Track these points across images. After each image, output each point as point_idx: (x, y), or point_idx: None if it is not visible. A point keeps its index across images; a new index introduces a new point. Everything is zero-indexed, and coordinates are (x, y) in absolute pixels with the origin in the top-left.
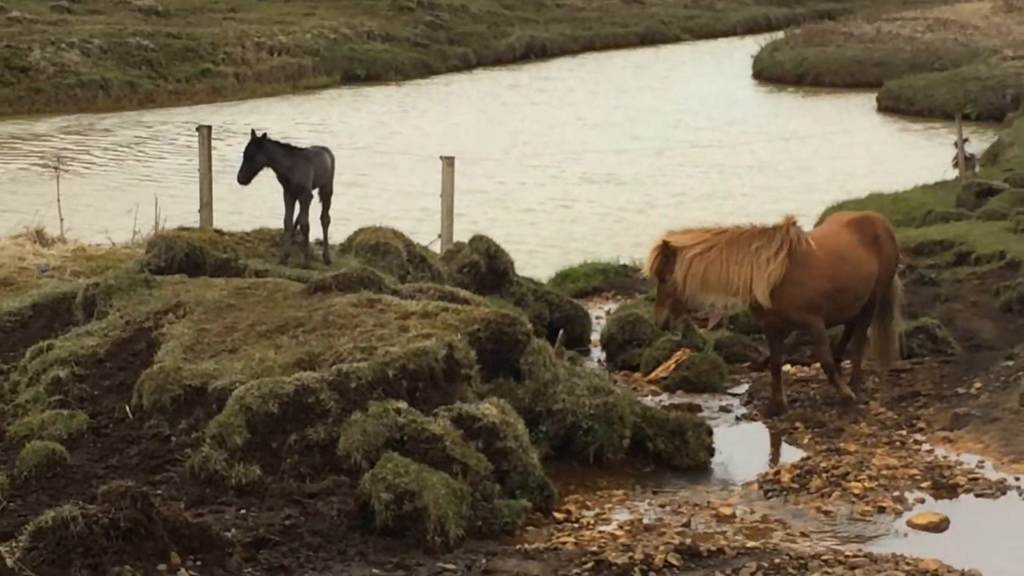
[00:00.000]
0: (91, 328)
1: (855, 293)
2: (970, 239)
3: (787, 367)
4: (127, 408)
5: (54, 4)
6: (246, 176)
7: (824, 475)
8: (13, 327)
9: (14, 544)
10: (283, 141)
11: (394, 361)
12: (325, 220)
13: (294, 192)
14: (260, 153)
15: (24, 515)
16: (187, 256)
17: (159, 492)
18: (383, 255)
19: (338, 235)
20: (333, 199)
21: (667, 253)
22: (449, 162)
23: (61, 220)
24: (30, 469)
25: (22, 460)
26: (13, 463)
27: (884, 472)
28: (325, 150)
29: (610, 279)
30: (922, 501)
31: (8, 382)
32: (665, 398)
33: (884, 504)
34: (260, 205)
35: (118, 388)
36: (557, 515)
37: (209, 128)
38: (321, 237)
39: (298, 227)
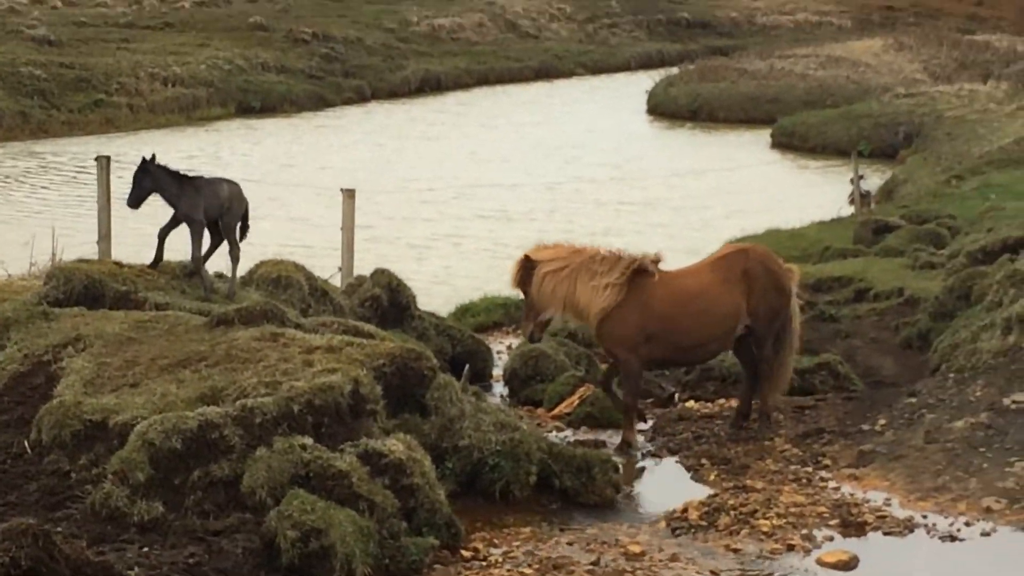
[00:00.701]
0: None
1: (699, 335)
2: (868, 275)
3: (691, 403)
4: (26, 443)
5: None
6: (134, 201)
7: (732, 512)
8: None
9: None
10: (174, 169)
11: (299, 396)
12: (232, 254)
13: (180, 220)
14: (147, 178)
15: None
16: (86, 288)
17: (60, 530)
18: (285, 288)
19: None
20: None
21: (527, 267)
22: (350, 194)
23: None
24: None
25: None
26: None
27: (792, 510)
28: (224, 181)
29: (510, 313)
30: (831, 539)
31: None
32: (569, 434)
33: (793, 542)
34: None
35: (16, 423)
36: (464, 553)
37: (108, 158)
38: (230, 271)
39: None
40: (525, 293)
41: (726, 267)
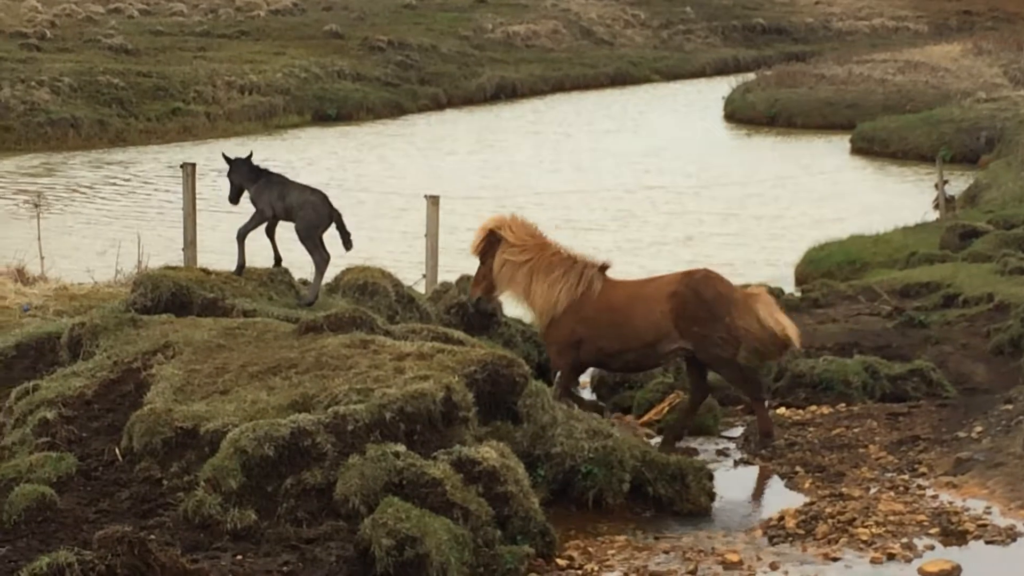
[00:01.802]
0: (78, 369)
1: (618, 345)
2: (957, 281)
3: (783, 410)
4: (117, 450)
5: (23, 42)
6: (231, 197)
7: (830, 521)
8: None
9: None
10: (256, 164)
11: (391, 403)
12: (316, 262)
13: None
14: (233, 174)
15: (16, 561)
16: (174, 295)
17: (153, 537)
18: (371, 295)
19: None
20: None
21: (491, 240)
22: (434, 201)
23: (42, 258)
24: (19, 513)
25: (11, 504)
26: (1, 507)
27: (891, 518)
28: (300, 187)
29: None
30: (932, 548)
31: None
32: (659, 441)
33: (893, 551)
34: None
35: (107, 430)
36: (560, 562)
37: (193, 166)
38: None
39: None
40: (483, 262)
41: (656, 287)
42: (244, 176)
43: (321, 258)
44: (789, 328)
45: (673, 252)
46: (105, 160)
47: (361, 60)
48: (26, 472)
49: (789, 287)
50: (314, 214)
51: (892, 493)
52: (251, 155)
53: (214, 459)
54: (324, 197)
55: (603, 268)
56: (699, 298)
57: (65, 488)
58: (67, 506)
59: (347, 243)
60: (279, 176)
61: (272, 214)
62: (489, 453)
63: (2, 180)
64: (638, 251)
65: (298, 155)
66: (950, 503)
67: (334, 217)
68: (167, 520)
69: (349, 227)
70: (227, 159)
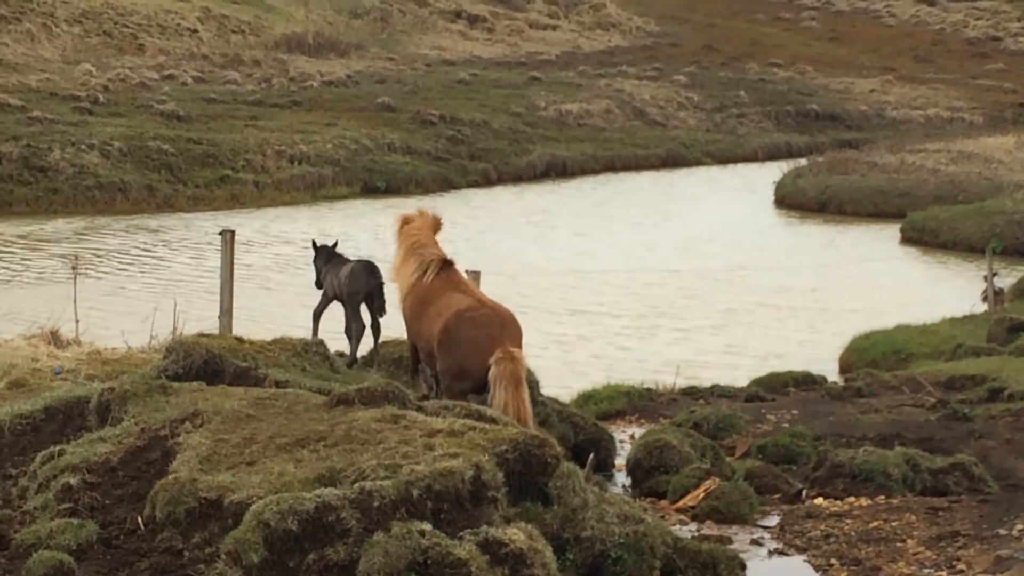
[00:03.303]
0: (104, 434)
1: (413, 338)
2: (1003, 375)
3: (820, 500)
4: (139, 519)
5: (75, 105)
6: (316, 281)
7: None
8: (24, 430)
9: None
10: (331, 250)
11: (419, 480)
12: (348, 331)
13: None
14: (317, 258)
15: None
16: (206, 363)
17: None
18: (406, 370)
19: (361, 348)
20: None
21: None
22: (474, 276)
23: (77, 322)
24: None
25: (29, 570)
26: (19, 573)
27: None
28: (352, 261)
29: (633, 402)
30: None
31: (16, 488)
32: (693, 528)
33: None
34: (280, 312)
35: (131, 498)
36: None
37: (232, 233)
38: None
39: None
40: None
41: (447, 304)
42: (323, 260)
43: (358, 325)
44: (509, 408)
45: (713, 334)
46: (153, 226)
47: (412, 134)
48: (46, 538)
49: (833, 375)
50: (353, 282)
51: None
52: (336, 244)
53: (236, 531)
54: (367, 265)
55: (446, 263)
56: (450, 335)
57: (85, 556)
58: (86, 574)
59: (377, 311)
60: (342, 257)
61: (334, 294)
62: (517, 535)
63: (46, 242)
64: (682, 332)
65: (349, 225)
66: None
67: (371, 285)
68: None
69: (387, 297)
70: (314, 245)
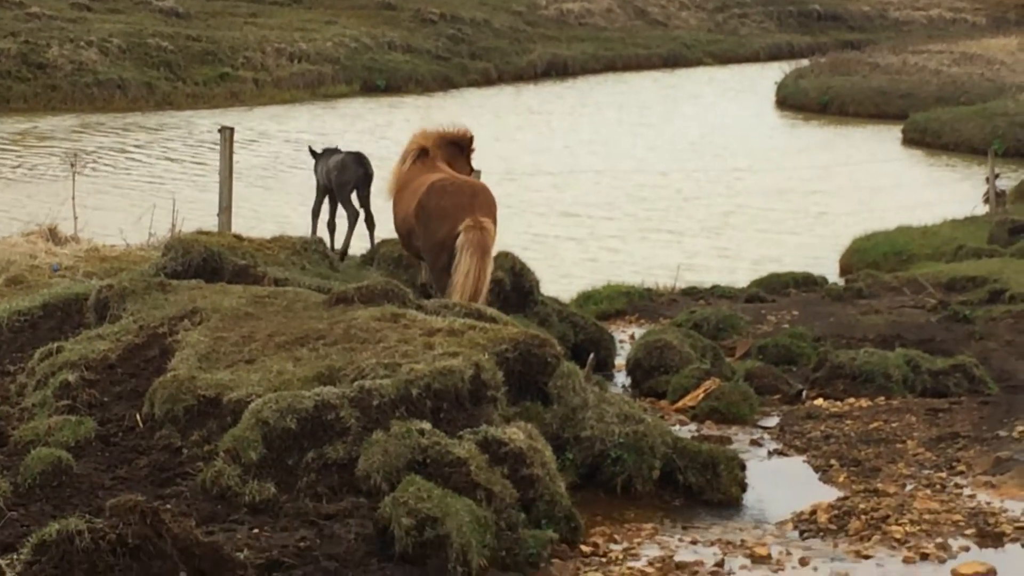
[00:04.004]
0: (103, 332)
1: (396, 222)
2: (1004, 277)
3: (820, 401)
4: (137, 417)
5: (74, 1)
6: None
7: (863, 517)
8: (22, 327)
9: (15, 557)
10: (329, 147)
11: (419, 379)
12: (331, 224)
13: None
14: (316, 165)
15: (27, 526)
16: (204, 261)
17: (168, 507)
18: (406, 268)
19: (360, 246)
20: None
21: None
22: (476, 175)
23: (75, 219)
24: (35, 477)
25: (26, 467)
26: (17, 469)
27: (926, 517)
28: (340, 152)
29: (633, 302)
30: (967, 549)
31: (15, 384)
32: (693, 428)
33: (927, 551)
34: (280, 211)
35: (129, 395)
36: (584, 548)
37: (231, 130)
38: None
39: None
40: None
41: (421, 183)
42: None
43: (351, 213)
44: (470, 275)
45: (710, 237)
46: (151, 123)
47: (412, 32)
48: (44, 435)
49: (833, 277)
50: (343, 172)
51: (928, 491)
52: (336, 148)
53: (235, 429)
54: (356, 156)
55: (422, 151)
56: (423, 206)
57: (83, 453)
58: (84, 471)
59: (363, 201)
60: (335, 149)
61: (325, 184)
62: (516, 434)
63: (44, 139)
64: (677, 235)
65: (349, 125)
66: (987, 503)
67: (358, 175)
68: (184, 490)
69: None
70: (311, 152)
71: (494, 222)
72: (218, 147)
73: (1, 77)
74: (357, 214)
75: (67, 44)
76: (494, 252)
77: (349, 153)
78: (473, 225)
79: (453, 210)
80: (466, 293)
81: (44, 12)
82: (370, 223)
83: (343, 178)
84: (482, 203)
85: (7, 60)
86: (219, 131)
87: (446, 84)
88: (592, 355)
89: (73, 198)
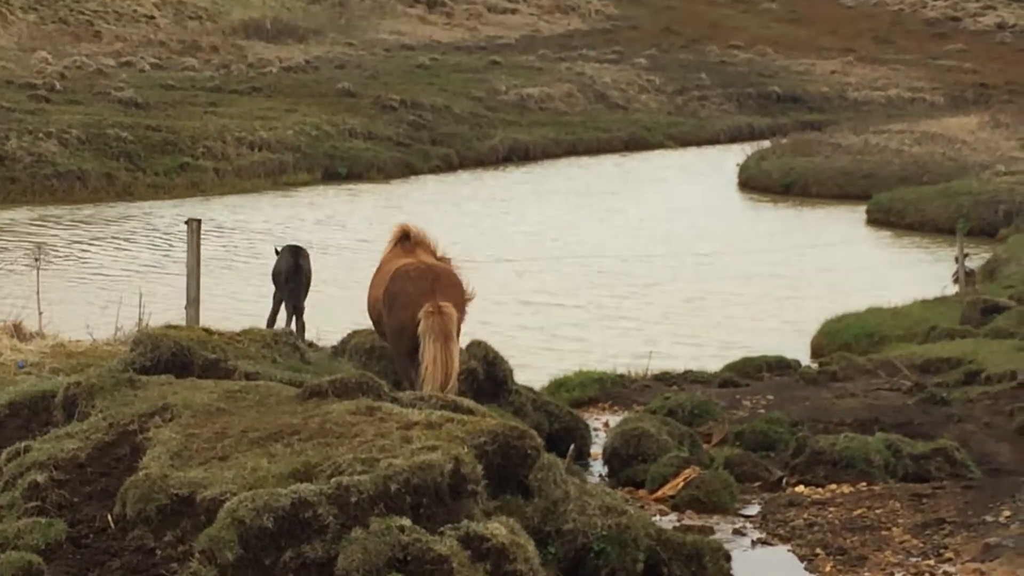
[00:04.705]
0: (71, 430)
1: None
2: (979, 357)
3: (801, 488)
4: (109, 517)
5: (32, 93)
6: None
7: None
8: None
9: None
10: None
11: (397, 474)
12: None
13: None
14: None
15: None
16: (174, 355)
17: None
18: (378, 359)
19: (331, 337)
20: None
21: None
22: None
23: (40, 314)
24: None
25: None
26: None
27: None
28: (286, 249)
29: (606, 389)
30: None
31: None
32: (674, 518)
33: None
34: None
35: (100, 495)
36: None
37: (199, 222)
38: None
39: None
40: None
41: (391, 269)
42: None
43: (285, 302)
44: (438, 361)
45: (685, 316)
46: (112, 215)
47: (373, 119)
48: (13, 538)
49: (805, 358)
50: (277, 262)
51: None
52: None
53: (210, 529)
54: (292, 248)
55: (404, 236)
56: (387, 292)
57: (54, 556)
58: (55, 575)
59: (289, 294)
60: (291, 245)
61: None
62: (498, 529)
63: (5, 231)
64: (643, 315)
65: (311, 213)
66: None
67: (289, 264)
68: None
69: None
70: (276, 252)
71: (458, 306)
72: (182, 238)
73: None
74: (289, 306)
75: (25, 136)
76: (466, 338)
77: (287, 246)
78: (432, 311)
79: (415, 295)
80: (437, 380)
81: (2, 104)
82: (298, 317)
83: (275, 268)
84: (444, 287)
85: None
86: (186, 223)
87: (407, 171)
88: (572, 446)
89: (38, 292)
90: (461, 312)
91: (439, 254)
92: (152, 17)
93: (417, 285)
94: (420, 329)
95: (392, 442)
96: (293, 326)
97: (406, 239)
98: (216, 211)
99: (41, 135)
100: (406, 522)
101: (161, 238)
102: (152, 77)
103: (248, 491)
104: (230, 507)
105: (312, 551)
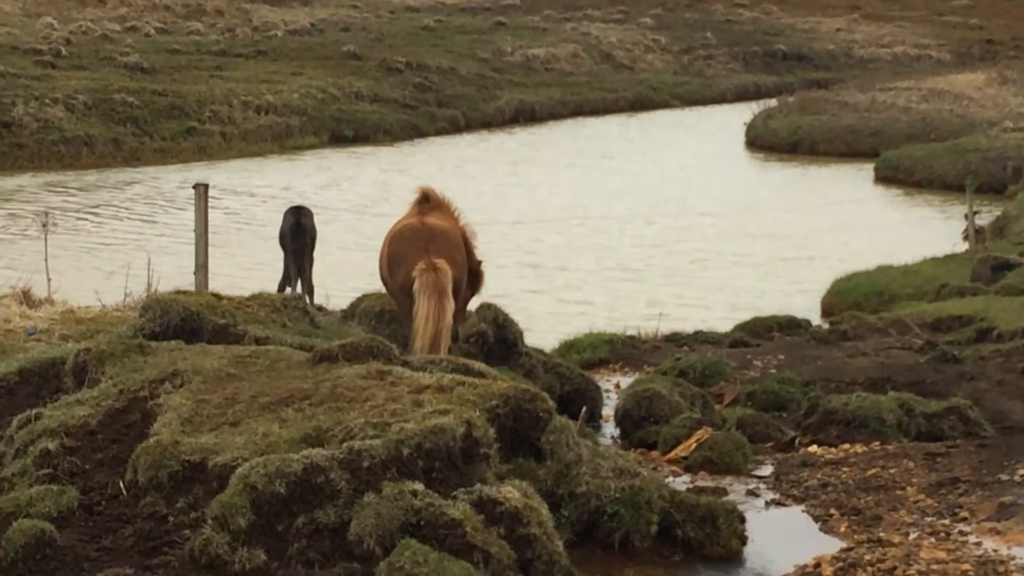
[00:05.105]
0: (82, 396)
1: None
2: (990, 315)
3: (814, 448)
4: (121, 484)
5: (38, 59)
6: None
7: (869, 569)
8: None
9: None
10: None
11: (409, 439)
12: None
13: None
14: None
15: None
16: (183, 321)
17: None
18: (388, 323)
19: (341, 300)
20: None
21: None
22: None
23: (49, 280)
24: (17, 550)
25: (8, 540)
26: None
27: (934, 567)
28: (288, 210)
29: (617, 350)
30: None
31: None
32: (687, 479)
33: None
34: (257, 268)
35: (111, 462)
36: None
37: (206, 187)
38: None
39: None
40: None
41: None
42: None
43: (290, 265)
44: (430, 318)
45: (692, 277)
46: (119, 180)
47: (379, 81)
48: (25, 506)
49: (816, 318)
50: (282, 224)
51: (933, 539)
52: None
53: (222, 495)
54: (295, 208)
55: (424, 198)
56: (387, 253)
57: (66, 524)
58: (67, 543)
59: (293, 256)
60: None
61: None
62: (511, 493)
63: (12, 198)
64: (649, 276)
65: (318, 176)
66: (995, 551)
67: (289, 225)
68: (172, 560)
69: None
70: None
71: (454, 264)
72: (189, 203)
73: None
74: (296, 267)
75: (32, 102)
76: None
77: (290, 207)
78: (426, 268)
79: (409, 254)
80: (427, 336)
81: (8, 70)
82: (304, 278)
83: (280, 230)
84: (439, 246)
85: None
86: (193, 188)
87: (414, 133)
88: (585, 408)
89: (46, 259)
90: (457, 270)
91: (459, 219)
92: None
93: (412, 244)
94: (415, 287)
95: (403, 406)
96: (299, 288)
97: (425, 201)
98: (223, 176)
99: (47, 101)
100: (419, 486)
101: (168, 203)
102: (158, 42)
103: (260, 457)
104: (242, 473)
105: (324, 516)
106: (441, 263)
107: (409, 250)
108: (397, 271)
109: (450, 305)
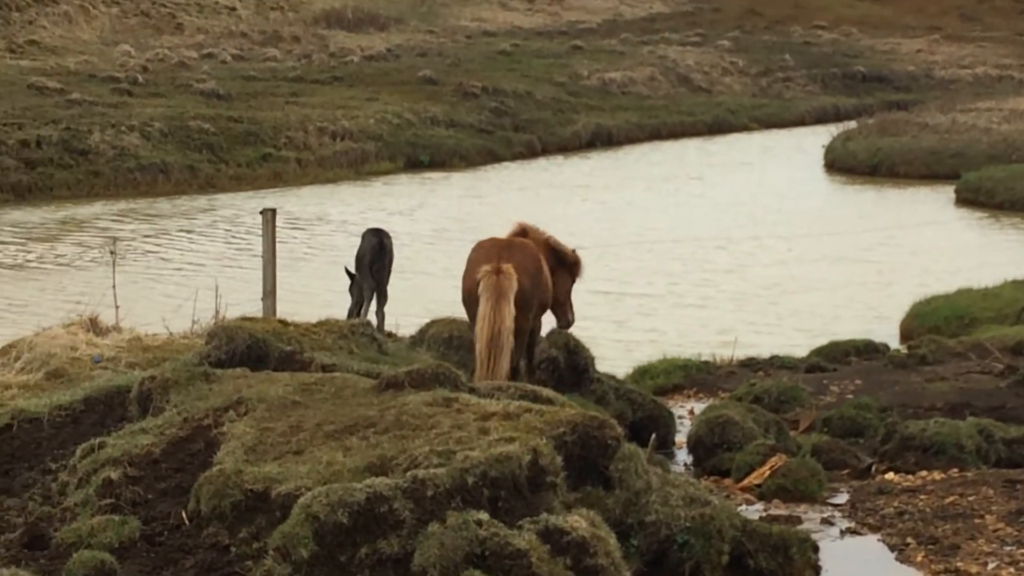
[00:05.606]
0: (146, 425)
1: None
2: None
3: (891, 475)
4: (183, 514)
5: (115, 87)
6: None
7: None
8: (63, 422)
9: None
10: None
11: (474, 467)
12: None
13: None
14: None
15: None
16: (249, 348)
17: None
18: (457, 349)
19: (410, 327)
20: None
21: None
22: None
23: (116, 308)
24: None
25: (69, 571)
26: (59, 574)
27: None
28: (368, 231)
29: (691, 375)
30: None
31: (56, 483)
32: (760, 508)
33: None
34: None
35: (174, 491)
36: None
37: (274, 211)
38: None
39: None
40: None
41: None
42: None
43: (366, 286)
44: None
45: (766, 303)
46: (195, 207)
47: (455, 106)
48: (87, 536)
49: (893, 343)
50: (360, 246)
51: (1012, 569)
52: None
53: (284, 525)
54: (374, 230)
55: (521, 231)
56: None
57: (127, 554)
58: (128, 574)
59: (374, 275)
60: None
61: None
62: (578, 522)
63: (86, 225)
64: (722, 302)
65: (394, 202)
66: None
67: (372, 245)
68: None
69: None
70: (348, 273)
71: (523, 271)
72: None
73: (43, 165)
74: (373, 289)
75: (108, 129)
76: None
77: (371, 230)
78: (491, 270)
79: (481, 260)
80: (483, 338)
81: (85, 98)
82: (381, 299)
83: (359, 251)
84: (511, 254)
85: (49, 147)
86: (260, 213)
87: (490, 158)
88: (654, 435)
89: (114, 286)
90: (528, 279)
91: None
92: (233, 8)
93: (486, 252)
94: (479, 289)
95: (469, 434)
96: (374, 307)
97: (523, 234)
98: (298, 202)
99: (124, 128)
100: (484, 516)
101: (239, 230)
102: (234, 68)
103: (323, 486)
104: (304, 502)
105: (388, 547)
106: (507, 267)
107: (482, 257)
108: (467, 278)
109: (510, 309)
